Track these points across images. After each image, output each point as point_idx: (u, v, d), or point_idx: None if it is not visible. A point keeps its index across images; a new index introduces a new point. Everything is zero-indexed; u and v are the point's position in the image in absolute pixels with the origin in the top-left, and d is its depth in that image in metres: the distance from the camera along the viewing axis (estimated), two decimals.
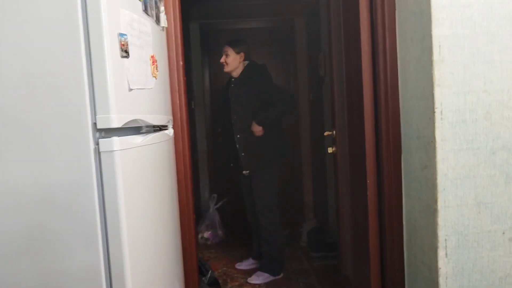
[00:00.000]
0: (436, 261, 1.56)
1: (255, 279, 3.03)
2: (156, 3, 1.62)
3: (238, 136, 3.01)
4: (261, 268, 3.10)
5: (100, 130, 1.20)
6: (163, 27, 1.75)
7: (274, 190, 3.02)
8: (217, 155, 4.46)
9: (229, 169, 3.22)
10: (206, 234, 3.94)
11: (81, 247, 1.19)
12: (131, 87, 1.29)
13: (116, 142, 1.19)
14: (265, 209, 2.99)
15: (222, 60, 3.05)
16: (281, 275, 3.10)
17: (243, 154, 3.00)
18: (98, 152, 1.18)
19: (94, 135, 1.18)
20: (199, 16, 4.31)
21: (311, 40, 4.14)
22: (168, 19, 1.83)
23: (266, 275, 3.05)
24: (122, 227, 1.20)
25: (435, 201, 1.55)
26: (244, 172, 3.02)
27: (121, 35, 1.24)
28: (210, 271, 2.53)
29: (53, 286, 1.20)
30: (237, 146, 3.02)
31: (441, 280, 1.56)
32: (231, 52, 3.02)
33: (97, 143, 1.19)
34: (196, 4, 3.93)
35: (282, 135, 3.10)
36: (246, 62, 3.08)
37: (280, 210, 3.08)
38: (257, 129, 2.95)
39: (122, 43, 1.24)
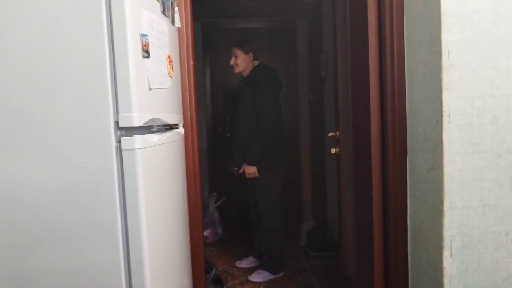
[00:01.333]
0: (441, 261, 1.60)
1: (255, 277, 3.06)
2: (172, 3, 1.64)
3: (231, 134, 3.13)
4: (262, 266, 3.12)
5: (121, 129, 1.22)
6: (177, 27, 1.77)
7: (277, 190, 3.05)
8: (216, 154, 4.47)
9: (228, 168, 3.26)
10: (206, 232, 3.96)
11: (102, 244, 1.21)
12: (151, 87, 1.32)
13: (138, 140, 1.21)
14: (267, 208, 3.02)
15: (232, 62, 3.06)
16: (281, 273, 3.14)
17: (230, 152, 3.12)
18: (119, 150, 1.20)
19: (116, 134, 1.20)
20: (201, 15, 4.31)
21: (312, 41, 4.16)
22: (180, 19, 1.85)
23: (267, 273, 3.07)
24: (142, 224, 1.22)
25: (441, 202, 1.58)
26: (233, 169, 3.10)
27: (143, 35, 1.26)
28: (214, 269, 2.56)
29: (74, 281, 1.22)
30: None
31: (446, 280, 1.60)
32: (240, 53, 3.03)
33: (118, 141, 1.20)
34: (198, 3, 3.93)
35: (276, 139, 3.06)
36: (256, 62, 3.09)
37: (281, 210, 3.11)
38: (251, 171, 2.95)
39: (144, 43, 1.26)
